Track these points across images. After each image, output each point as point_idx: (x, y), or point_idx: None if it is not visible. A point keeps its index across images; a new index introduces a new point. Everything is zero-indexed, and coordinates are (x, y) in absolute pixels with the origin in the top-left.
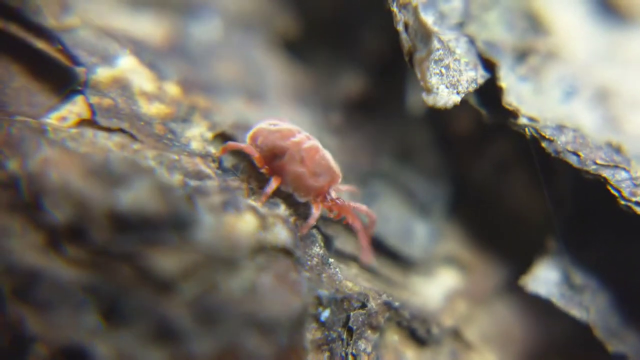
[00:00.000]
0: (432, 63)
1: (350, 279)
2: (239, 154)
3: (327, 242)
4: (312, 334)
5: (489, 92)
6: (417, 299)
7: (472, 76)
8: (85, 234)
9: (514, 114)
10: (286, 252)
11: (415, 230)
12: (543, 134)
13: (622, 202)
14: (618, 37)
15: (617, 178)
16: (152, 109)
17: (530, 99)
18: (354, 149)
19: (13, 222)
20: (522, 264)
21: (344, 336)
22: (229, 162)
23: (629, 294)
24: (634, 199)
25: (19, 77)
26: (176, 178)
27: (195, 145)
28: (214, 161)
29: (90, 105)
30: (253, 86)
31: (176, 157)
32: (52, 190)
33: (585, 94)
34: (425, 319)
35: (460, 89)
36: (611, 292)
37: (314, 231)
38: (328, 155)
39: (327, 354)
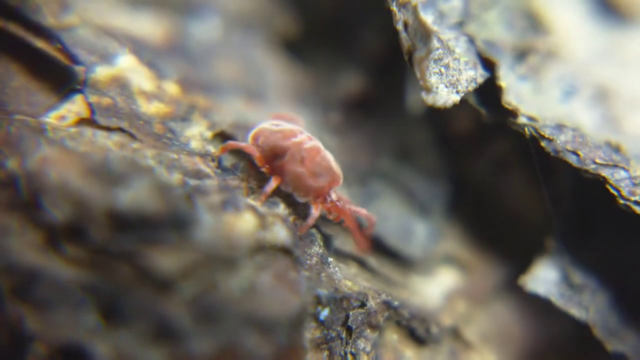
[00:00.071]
0: (432, 62)
1: (350, 278)
2: (239, 153)
3: (327, 241)
4: (311, 333)
5: (489, 91)
6: (417, 298)
7: (471, 75)
8: (84, 233)
9: (513, 113)
10: (285, 251)
11: (415, 230)
12: (542, 133)
13: (621, 202)
14: (618, 37)
15: (616, 177)
16: (152, 108)
17: (529, 98)
18: (353, 149)
19: (12, 221)
20: (522, 264)
21: (343, 335)
22: (228, 161)
23: (628, 293)
24: (633, 198)
25: (18, 76)
26: (175, 177)
27: (194, 144)
28: (213, 160)
29: (90, 104)
30: (253, 86)
31: (175, 156)
32: (51, 189)
33: (584, 94)
34: (425, 318)
35: (459, 88)
36: (610, 291)
37: (313, 230)
38: (329, 157)
39: (326, 353)
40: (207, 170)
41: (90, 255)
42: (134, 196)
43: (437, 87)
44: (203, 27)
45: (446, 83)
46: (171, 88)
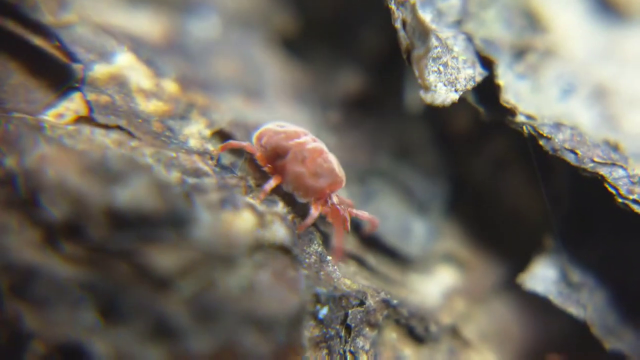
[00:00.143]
0: (430, 61)
1: (349, 277)
2: (237, 151)
3: (326, 239)
4: (310, 331)
5: (487, 89)
6: (416, 296)
7: (470, 74)
8: (82, 231)
9: (511, 112)
10: (284, 249)
11: (414, 228)
12: (541, 131)
13: (620, 200)
14: (616, 35)
15: (614, 176)
16: (150, 106)
17: (528, 97)
18: (352, 147)
19: (10, 219)
20: (520, 262)
21: (342, 333)
22: (227, 159)
23: (626, 291)
24: (631, 197)
25: (16, 73)
26: (174, 175)
27: (193, 142)
28: (212, 158)
29: (88, 102)
30: (251, 84)
31: (174, 154)
32: (49, 187)
33: (583, 92)
34: (424, 316)
35: (458, 86)
36: (608, 289)
37: (312, 229)
38: (333, 159)
39: (325, 351)
40: (206, 168)
41: (88, 253)
42: (132, 194)
43: (435, 86)
44: (201, 25)
45: (445, 81)
46: (170, 86)
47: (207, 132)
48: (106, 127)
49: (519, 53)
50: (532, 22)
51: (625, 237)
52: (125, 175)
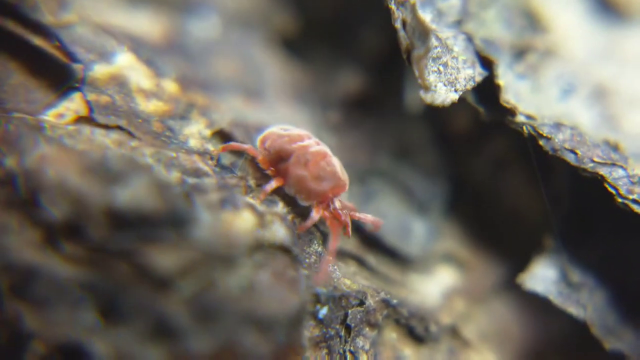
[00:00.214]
0: (430, 61)
1: (349, 277)
2: (237, 151)
3: (326, 239)
4: (310, 331)
5: (487, 89)
6: (415, 296)
7: (470, 74)
8: (82, 231)
9: (511, 112)
10: (284, 249)
11: (414, 228)
12: (541, 131)
13: (619, 200)
14: (616, 35)
15: (614, 176)
16: (150, 106)
17: (528, 97)
18: (352, 147)
19: (10, 219)
20: (520, 262)
21: (342, 333)
22: (227, 159)
23: (626, 291)
24: (630, 197)
25: (16, 73)
26: (174, 175)
27: (193, 142)
28: (212, 159)
29: (88, 102)
30: (251, 84)
31: (174, 154)
32: (49, 187)
33: (583, 92)
34: (424, 316)
35: (458, 86)
36: (608, 289)
37: (313, 229)
38: (336, 163)
39: (325, 351)
40: (206, 168)
41: (88, 253)
42: (133, 194)
43: (435, 86)
44: (201, 25)
45: (444, 81)
46: (170, 86)
47: (207, 132)
48: (106, 127)
49: (519, 53)
50: (532, 22)
51: (625, 237)
52: (126, 175)
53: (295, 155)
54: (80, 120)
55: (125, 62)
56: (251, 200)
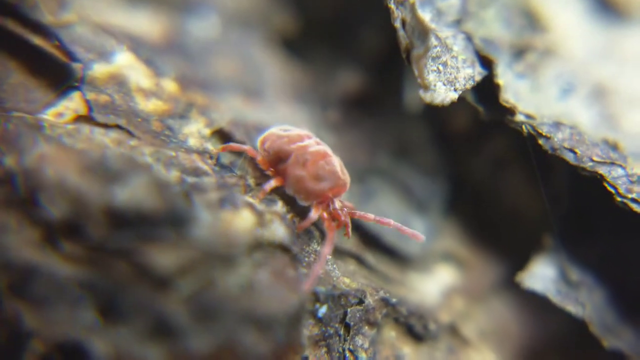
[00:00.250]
0: (430, 60)
1: (348, 275)
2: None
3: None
4: (309, 330)
5: (486, 89)
6: (415, 295)
7: (469, 73)
8: (81, 230)
9: (511, 111)
10: (283, 248)
11: (413, 227)
12: (540, 131)
13: (618, 199)
14: (615, 35)
15: (613, 175)
16: (150, 106)
17: (527, 96)
18: (351, 146)
19: (9, 218)
20: (519, 261)
21: (341, 332)
22: (226, 158)
23: (624, 290)
24: (630, 196)
25: (16, 73)
26: (173, 174)
27: (192, 141)
28: (211, 158)
29: (87, 102)
30: (251, 83)
31: (173, 153)
32: (48, 186)
33: (582, 91)
34: (423, 315)
35: (457, 86)
36: (607, 288)
37: (312, 228)
38: (336, 162)
39: (324, 349)
40: (205, 167)
41: (87, 252)
42: (132, 193)
43: (435, 85)
44: (201, 24)
45: (444, 81)
46: (169, 85)
47: (207, 132)
48: (105, 126)
49: (519, 52)
50: (532, 21)
51: (624, 235)
52: (125, 174)
53: (294, 155)
54: (79, 119)
55: (124, 61)
56: (250, 200)
